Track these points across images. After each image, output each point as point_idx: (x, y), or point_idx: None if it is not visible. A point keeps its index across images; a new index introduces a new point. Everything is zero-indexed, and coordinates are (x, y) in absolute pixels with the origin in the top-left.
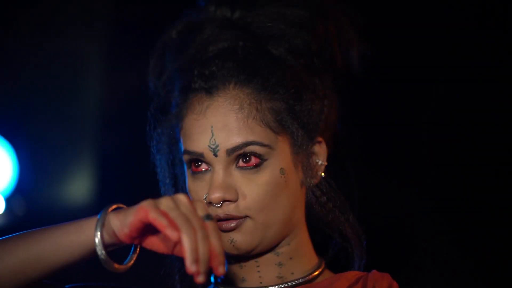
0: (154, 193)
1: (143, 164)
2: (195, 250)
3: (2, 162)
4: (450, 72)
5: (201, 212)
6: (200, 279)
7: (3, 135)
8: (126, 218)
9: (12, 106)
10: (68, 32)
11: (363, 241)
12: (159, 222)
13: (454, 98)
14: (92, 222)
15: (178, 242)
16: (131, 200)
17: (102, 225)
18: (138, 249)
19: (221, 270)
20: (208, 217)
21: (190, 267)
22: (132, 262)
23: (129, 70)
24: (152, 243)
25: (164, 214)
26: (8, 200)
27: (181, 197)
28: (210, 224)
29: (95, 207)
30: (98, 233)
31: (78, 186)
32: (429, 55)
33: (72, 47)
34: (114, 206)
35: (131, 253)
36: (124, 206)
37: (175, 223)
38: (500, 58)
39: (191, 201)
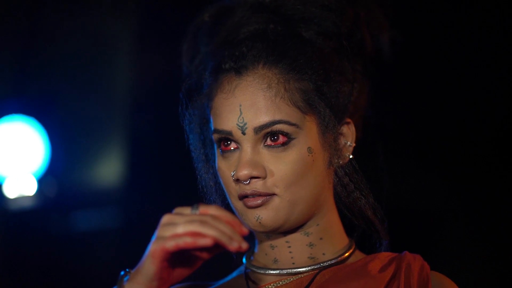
0: (185, 174)
1: (173, 146)
2: (224, 233)
3: (34, 144)
4: (485, 56)
5: (187, 211)
6: (244, 245)
7: (35, 117)
8: (146, 274)
9: (44, 89)
10: (99, 13)
11: (385, 223)
12: (184, 242)
13: (491, 83)
14: None
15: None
16: (162, 182)
17: None
18: None
19: (244, 229)
20: (194, 207)
21: (232, 246)
22: None
23: (160, 51)
24: (181, 271)
25: (176, 236)
26: (40, 182)
27: (165, 218)
28: (203, 208)
29: (126, 189)
30: None
31: (109, 168)
32: (463, 39)
33: (104, 28)
34: (123, 276)
35: None
36: (130, 270)
37: (191, 233)
38: None
39: (173, 213)
